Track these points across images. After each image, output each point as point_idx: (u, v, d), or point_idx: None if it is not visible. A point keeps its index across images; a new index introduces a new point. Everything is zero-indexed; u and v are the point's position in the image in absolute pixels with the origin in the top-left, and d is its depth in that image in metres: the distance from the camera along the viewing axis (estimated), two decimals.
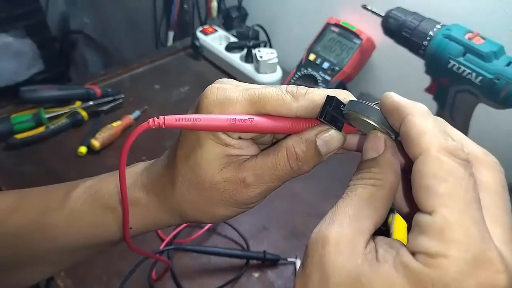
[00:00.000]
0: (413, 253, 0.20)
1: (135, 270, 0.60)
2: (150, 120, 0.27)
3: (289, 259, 0.68)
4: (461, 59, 0.62)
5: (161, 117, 0.27)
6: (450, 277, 0.19)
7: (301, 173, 0.29)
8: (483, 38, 0.62)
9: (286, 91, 0.28)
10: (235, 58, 1.03)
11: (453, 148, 0.21)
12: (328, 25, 0.92)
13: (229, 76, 1.06)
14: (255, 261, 0.68)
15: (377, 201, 0.23)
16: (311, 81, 0.91)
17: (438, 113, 0.70)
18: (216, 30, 1.11)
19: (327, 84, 0.89)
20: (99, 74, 1.04)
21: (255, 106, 0.28)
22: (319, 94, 0.27)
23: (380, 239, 0.23)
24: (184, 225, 0.71)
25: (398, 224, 0.64)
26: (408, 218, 0.26)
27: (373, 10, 0.76)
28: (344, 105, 0.27)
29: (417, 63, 0.69)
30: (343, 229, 0.22)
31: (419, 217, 0.21)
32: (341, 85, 0.90)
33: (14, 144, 0.83)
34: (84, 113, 0.90)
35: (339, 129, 0.27)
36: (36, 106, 0.89)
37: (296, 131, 0.28)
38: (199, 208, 0.32)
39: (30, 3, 1.49)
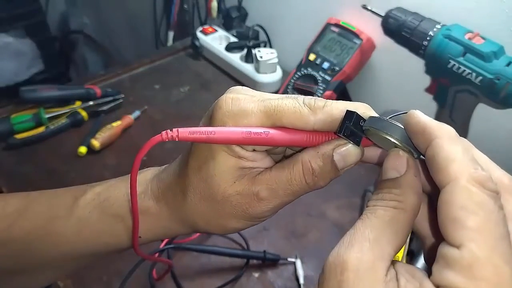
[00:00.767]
0: (437, 287, 0.19)
1: (135, 270, 0.60)
2: (163, 132, 0.26)
3: (289, 259, 0.68)
4: (461, 59, 0.62)
5: (174, 129, 0.26)
6: None
7: (317, 188, 0.28)
8: (483, 38, 0.62)
9: (303, 103, 0.27)
10: (235, 58, 1.03)
11: (483, 178, 0.20)
12: (328, 25, 0.92)
13: (229, 76, 1.06)
14: (255, 261, 0.68)
15: (398, 225, 0.22)
16: (311, 81, 0.91)
17: (438, 113, 0.70)
18: (216, 30, 1.11)
19: (327, 84, 0.89)
20: (99, 74, 1.04)
21: (271, 119, 0.27)
22: (337, 108, 0.26)
23: (401, 266, 0.22)
24: None
25: None
26: (424, 241, 0.26)
27: (373, 10, 0.76)
28: (364, 120, 0.26)
29: (417, 63, 0.69)
30: (363, 254, 0.21)
31: (445, 250, 0.20)
32: (341, 85, 0.90)
33: (14, 144, 0.83)
34: (84, 113, 0.90)
35: (357, 143, 0.26)
36: (36, 106, 0.90)
37: (312, 144, 0.27)
38: (210, 220, 0.31)
39: (30, 3, 1.49)
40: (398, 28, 0.69)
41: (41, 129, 0.86)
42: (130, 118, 0.91)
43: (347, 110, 0.26)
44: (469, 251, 0.19)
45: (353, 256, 0.21)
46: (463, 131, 0.68)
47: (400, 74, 0.89)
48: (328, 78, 0.89)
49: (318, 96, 0.99)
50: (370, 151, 0.28)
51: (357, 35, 0.88)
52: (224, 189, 0.29)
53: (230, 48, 1.05)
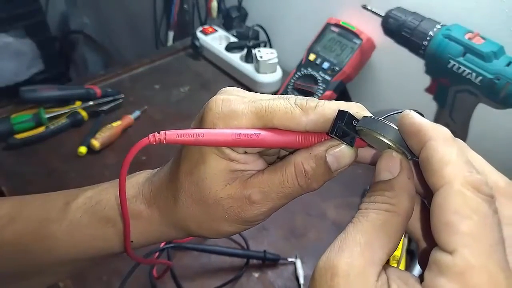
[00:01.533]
0: None
1: (135, 270, 0.60)
2: (151, 135, 0.26)
3: (289, 259, 0.68)
4: (461, 59, 0.62)
5: (162, 132, 0.26)
6: None
7: (310, 190, 0.27)
8: (483, 38, 0.62)
9: (295, 104, 0.26)
10: (235, 58, 1.03)
11: (478, 182, 0.19)
12: (328, 25, 0.92)
13: (229, 76, 1.06)
14: (255, 261, 0.68)
15: (391, 229, 0.22)
16: (311, 81, 0.91)
17: (438, 113, 0.70)
18: (216, 30, 1.11)
19: (327, 84, 0.89)
20: (99, 74, 1.04)
21: (262, 120, 0.26)
22: (330, 108, 0.25)
23: (393, 271, 0.21)
24: None
25: None
26: (418, 244, 0.25)
27: (373, 10, 0.76)
28: (357, 120, 0.25)
29: (417, 63, 0.69)
30: (354, 259, 0.21)
31: (438, 255, 0.19)
32: (341, 85, 0.90)
33: (14, 144, 0.83)
34: (84, 113, 0.90)
35: (351, 144, 0.26)
36: (36, 106, 0.90)
37: (305, 145, 0.27)
38: (202, 223, 0.30)
39: (30, 3, 1.50)
40: (398, 28, 0.69)
41: (41, 129, 0.86)
42: (130, 118, 0.91)
43: (339, 110, 0.25)
44: (462, 257, 0.18)
45: (343, 261, 0.21)
46: (463, 131, 0.68)
47: (400, 74, 0.89)
48: (328, 78, 0.89)
49: (318, 96, 0.99)
50: (363, 151, 0.28)
51: (357, 35, 0.88)
52: (215, 192, 0.28)
53: (230, 48, 1.05)
